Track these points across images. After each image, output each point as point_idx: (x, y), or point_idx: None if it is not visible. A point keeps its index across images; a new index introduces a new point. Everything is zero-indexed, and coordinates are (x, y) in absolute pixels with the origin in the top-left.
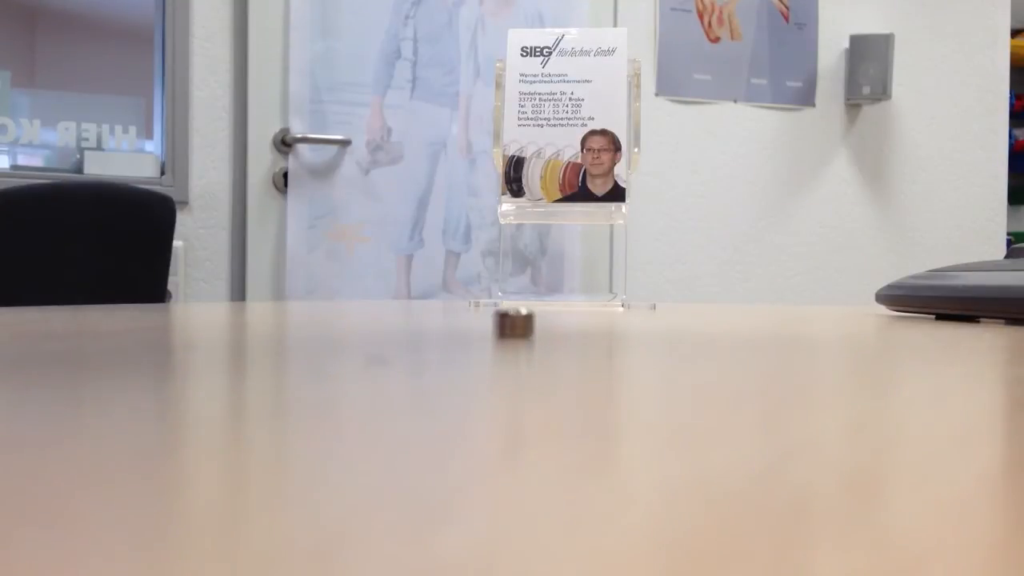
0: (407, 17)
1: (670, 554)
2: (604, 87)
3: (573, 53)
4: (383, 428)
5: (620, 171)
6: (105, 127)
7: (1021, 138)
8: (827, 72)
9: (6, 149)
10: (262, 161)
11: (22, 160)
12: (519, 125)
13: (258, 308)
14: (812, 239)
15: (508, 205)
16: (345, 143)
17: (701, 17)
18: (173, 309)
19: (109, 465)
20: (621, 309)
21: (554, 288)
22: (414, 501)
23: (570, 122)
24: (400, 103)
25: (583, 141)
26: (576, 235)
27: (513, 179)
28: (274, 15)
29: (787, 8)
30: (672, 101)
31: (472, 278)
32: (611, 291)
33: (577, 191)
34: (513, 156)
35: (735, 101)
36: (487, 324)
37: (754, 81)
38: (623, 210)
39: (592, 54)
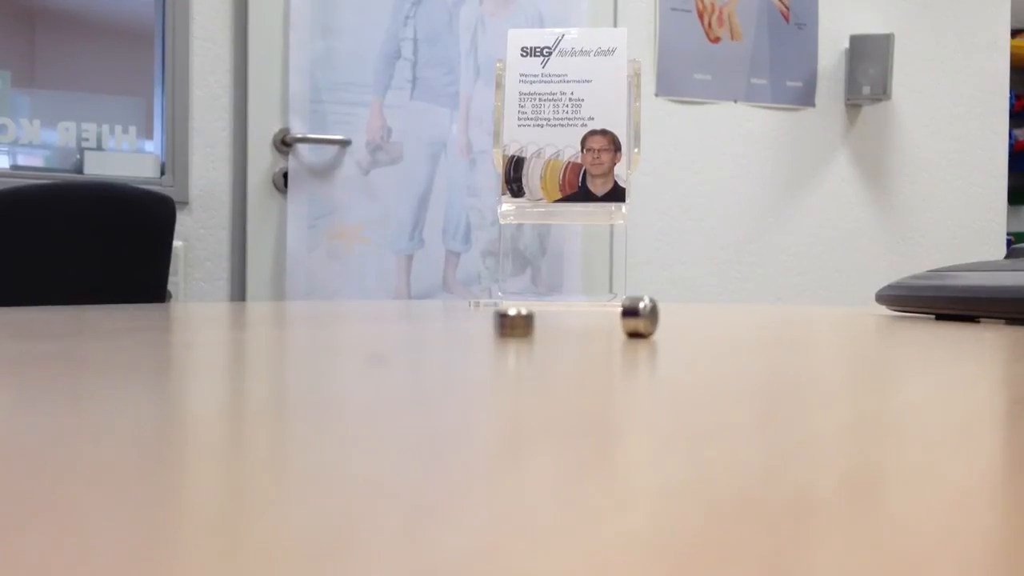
0: (407, 17)
1: (669, 554)
2: (604, 87)
3: (573, 53)
4: (382, 427)
5: (620, 171)
6: (105, 127)
7: (1021, 138)
8: (827, 72)
9: (6, 149)
10: (262, 161)
11: (22, 160)
12: (519, 125)
13: (258, 308)
14: (812, 239)
15: (508, 205)
16: (345, 143)
17: (701, 17)
18: (173, 309)
19: (109, 465)
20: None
21: (554, 288)
22: (412, 499)
23: (570, 122)
24: (400, 103)
25: (583, 141)
26: (576, 235)
27: (513, 179)
28: (274, 15)
29: (787, 8)
30: (672, 101)
31: (472, 278)
32: (611, 291)
33: (577, 191)
34: (513, 156)
35: (735, 101)
36: (487, 324)
37: (754, 81)
38: (623, 210)
39: (592, 54)
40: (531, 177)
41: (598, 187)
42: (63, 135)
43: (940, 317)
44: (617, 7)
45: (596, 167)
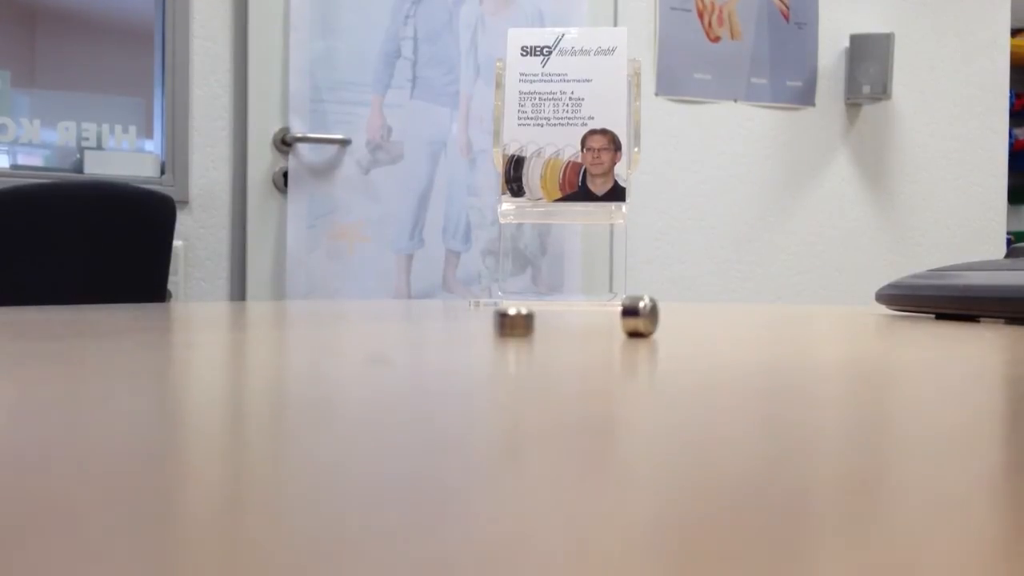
0: (407, 17)
1: (669, 555)
2: (604, 86)
3: (573, 52)
4: (382, 426)
5: (620, 171)
6: (105, 127)
7: (1021, 138)
8: (827, 72)
9: (6, 149)
10: (262, 161)
11: (22, 160)
12: (519, 125)
13: (258, 308)
14: (812, 239)
15: (508, 205)
16: (345, 143)
17: (701, 17)
18: (173, 309)
19: (109, 465)
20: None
21: (554, 288)
22: (411, 499)
23: (570, 121)
24: (400, 103)
25: (583, 140)
26: (576, 235)
27: (513, 179)
28: (274, 15)
29: (787, 8)
30: (672, 101)
31: (472, 278)
32: (611, 291)
33: (577, 191)
34: (513, 156)
35: (735, 101)
36: (487, 324)
37: (754, 81)
38: (623, 210)
39: (592, 53)
40: (531, 177)
41: (598, 187)
42: (63, 135)
43: (940, 317)
44: (617, 7)
45: (596, 166)
